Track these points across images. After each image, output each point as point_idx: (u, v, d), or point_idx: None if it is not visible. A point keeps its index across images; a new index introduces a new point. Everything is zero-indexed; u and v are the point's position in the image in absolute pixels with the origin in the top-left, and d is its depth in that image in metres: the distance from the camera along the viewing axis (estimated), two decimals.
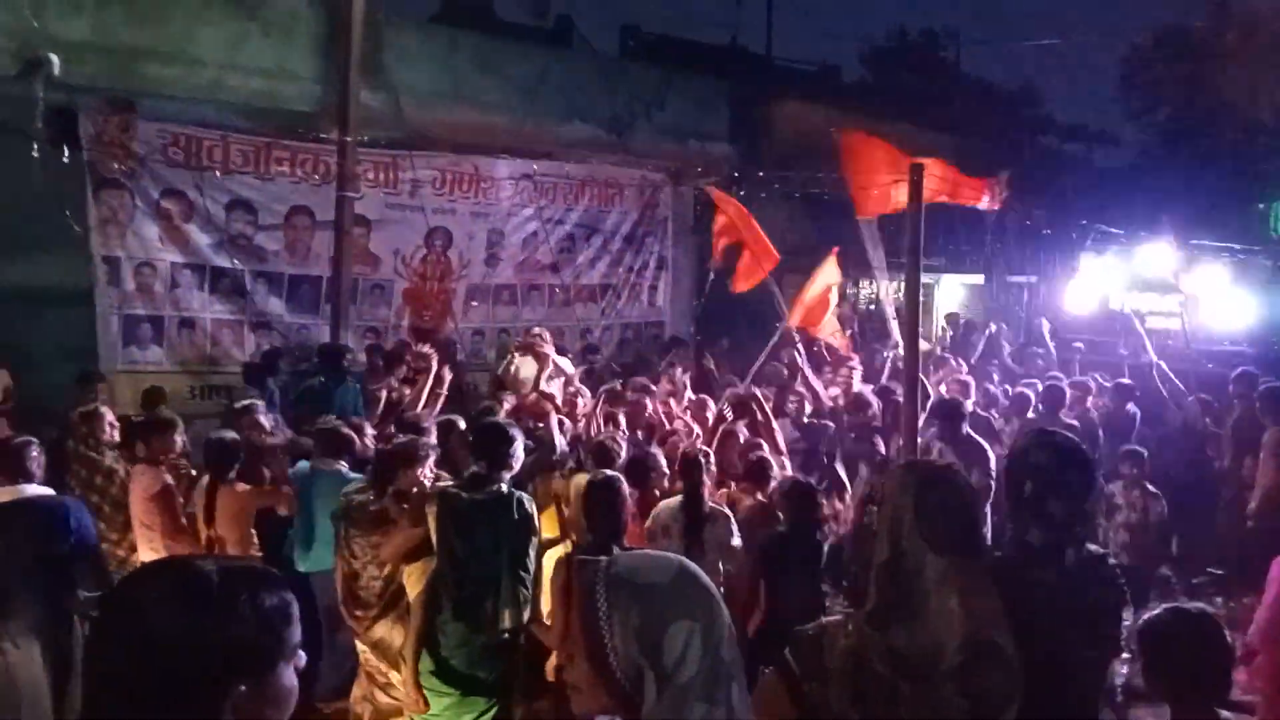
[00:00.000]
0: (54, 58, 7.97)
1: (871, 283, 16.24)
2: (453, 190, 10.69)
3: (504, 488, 3.97)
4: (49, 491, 4.14)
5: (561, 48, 12.57)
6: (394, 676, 4.06)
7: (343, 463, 5.13)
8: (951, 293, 17.89)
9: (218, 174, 9.19)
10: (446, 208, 10.66)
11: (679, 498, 4.68)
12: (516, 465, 4.13)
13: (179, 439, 5.23)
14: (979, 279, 16.80)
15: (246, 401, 6.43)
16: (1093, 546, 2.59)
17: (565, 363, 8.20)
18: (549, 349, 7.86)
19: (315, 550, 4.98)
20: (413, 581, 4.01)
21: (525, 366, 7.91)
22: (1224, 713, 2.61)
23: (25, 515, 3.93)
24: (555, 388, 7.53)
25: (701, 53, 15.79)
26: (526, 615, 3.86)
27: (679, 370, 8.87)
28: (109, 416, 5.56)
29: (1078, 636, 2.42)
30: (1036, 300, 13.78)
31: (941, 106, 17.39)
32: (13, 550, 3.84)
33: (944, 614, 1.94)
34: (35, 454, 4.12)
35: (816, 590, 4.66)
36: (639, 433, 6.73)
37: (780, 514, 4.71)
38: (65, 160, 8.23)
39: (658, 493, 4.98)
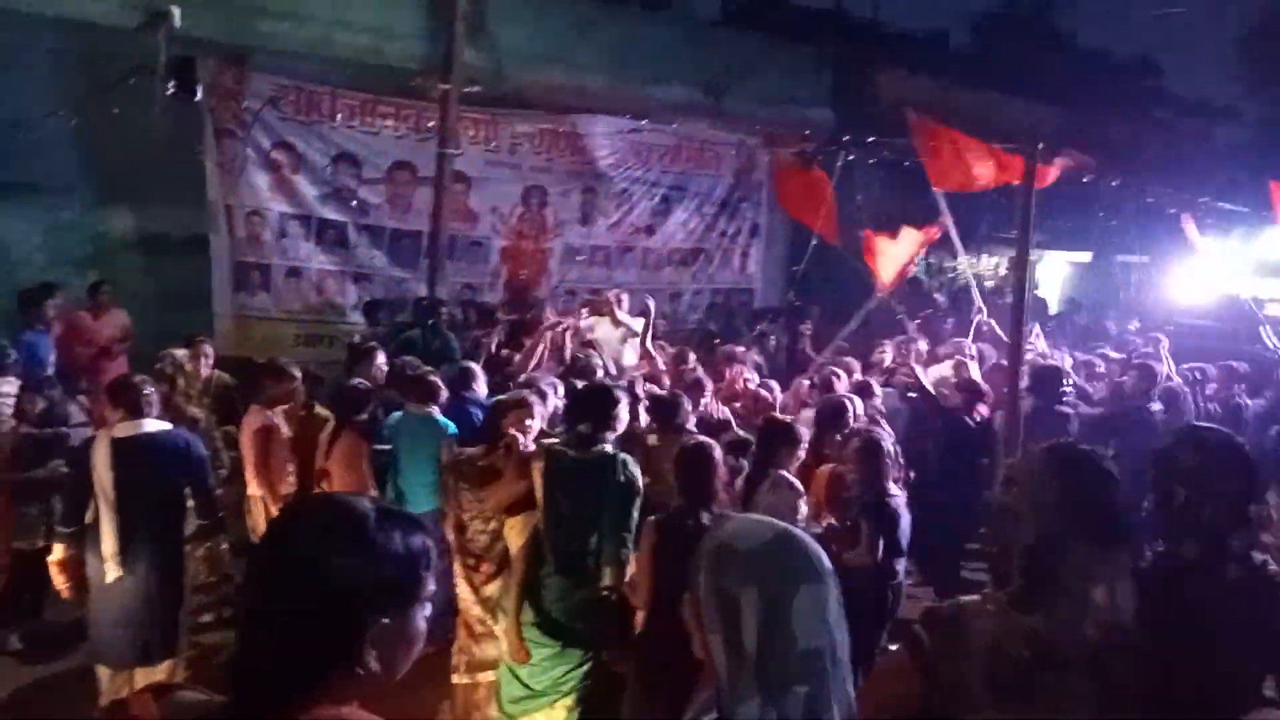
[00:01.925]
0: (175, 10, 8.22)
1: (974, 258, 15.84)
2: (550, 149, 10.73)
3: (608, 448, 3.99)
4: (167, 426, 4.29)
5: (659, 10, 12.42)
6: (496, 628, 4.15)
7: (434, 407, 5.28)
8: (1056, 270, 17.29)
9: (325, 127, 9.40)
10: (543, 166, 10.72)
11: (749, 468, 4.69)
12: (620, 426, 4.15)
13: (296, 387, 5.41)
14: (1086, 257, 16.19)
15: (373, 343, 6.61)
16: (1258, 556, 2.37)
17: (637, 325, 8.17)
18: (621, 312, 7.84)
19: (412, 493, 5.14)
20: (514, 535, 4.08)
21: (599, 327, 7.91)
22: None
23: (146, 448, 4.12)
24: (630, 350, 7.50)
25: (804, 18, 15.43)
26: (627, 574, 3.89)
27: (772, 340, 8.79)
28: (204, 368, 5.75)
29: (1238, 656, 2.28)
30: (1147, 281, 13.22)
31: (1052, 77, 16.68)
32: (135, 480, 4.05)
33: (1085, 603, 1.89)
34: (151, 391, 4.28)
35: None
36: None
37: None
38: (186, 109, 8.50)
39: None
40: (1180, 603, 2.26)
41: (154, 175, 9.01)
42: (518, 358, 6.94)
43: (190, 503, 4.30)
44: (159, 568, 4.11)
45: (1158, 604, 2.27)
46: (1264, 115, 21.34)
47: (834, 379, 6.48)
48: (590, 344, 7.30)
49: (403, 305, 9.34)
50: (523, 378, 5.75)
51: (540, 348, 6.84)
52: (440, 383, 5.44)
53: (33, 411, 5.19)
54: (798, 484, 4.54)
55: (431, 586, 1.43)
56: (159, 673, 4.21)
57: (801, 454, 4.72)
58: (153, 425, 4.18)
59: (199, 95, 8.31)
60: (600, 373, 6.32)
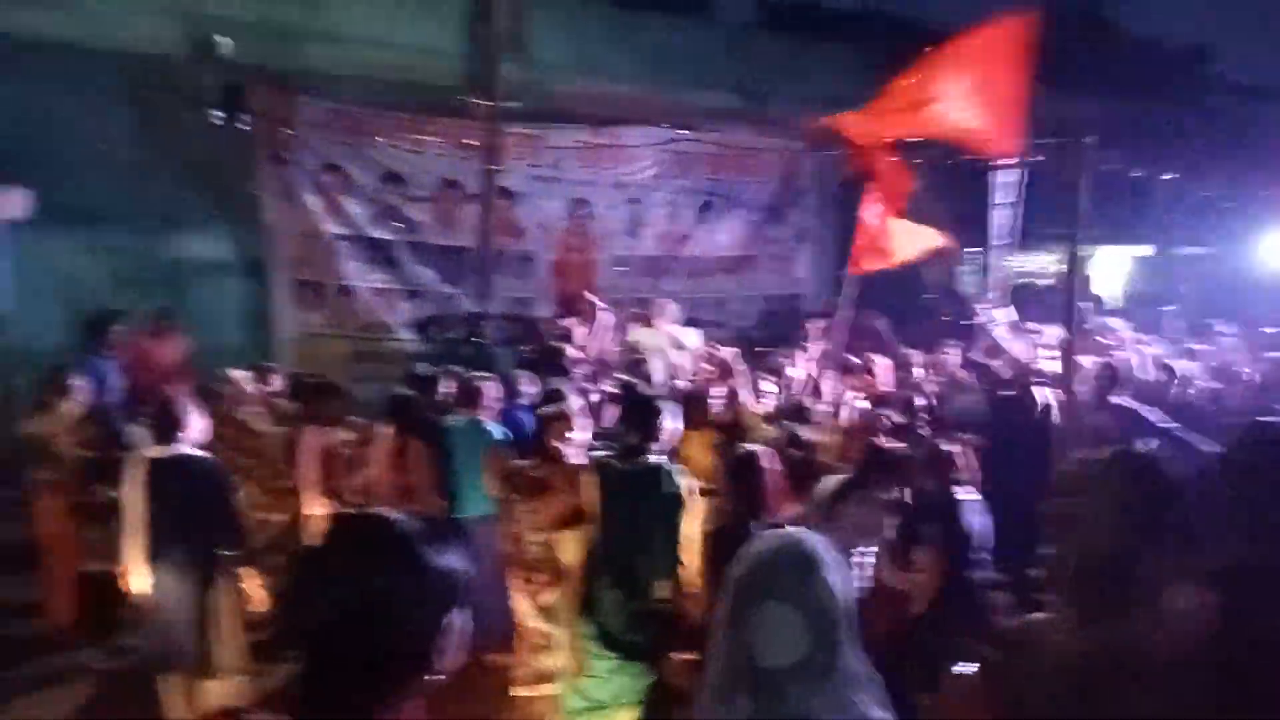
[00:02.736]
0: (224, 40, 8.44)
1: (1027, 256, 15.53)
2: (593, 162, 10.78)
3: (654, 459, 3.99)
4: (202, 452, 4.47)
5: (697, 16, 12.39)
6: (555, 640, 4.16)
7: (480, 412, 5.38)
8: (1114, 266, 16.84)
9: (372, 148, 9.56)
10: (587, 179, 10.76)
11: (839, 477, 4.61)
12: (665, 437, 4.14)
13: (344, 403, 5.50)
14: (1146, 250, 15.76)
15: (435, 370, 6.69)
16: None
17: (692, 335, 8.14)
18: (667, 322, 7.84)
19: (466, 497, 5.21)
20: (569, 548, 4.09)
21: (647, 337, 7.92)
22: None
23: (182, 470, 4.33)
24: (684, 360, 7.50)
25: (844, 17, 15.31)
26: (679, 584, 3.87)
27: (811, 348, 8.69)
28: (249, 389, 5.85)
29: None
30: (1211, 275, 12.83)
31: (1100, 68, 16.31)
32: (167, 501, 4.30)
33: (1160, 614, 1.83)
34: (193, 415, 4.43)
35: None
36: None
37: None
38: (238, 135, 8.73)
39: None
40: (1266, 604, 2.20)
41: (210, 200, 9.29)
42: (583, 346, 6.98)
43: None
44: (185, 580, 4.30)
45: (1241, 607, 2.20)
46: None
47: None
48: (638, 353, 7.34)
49: (454, 321, 9.45)
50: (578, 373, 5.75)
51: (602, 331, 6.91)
52: (484, 388, 5.52)
53: (93, 435, 5.34)
54: (890, 505, 4.48)
55: (464, 592, 1.45)
56: (222, 689, 4.33)
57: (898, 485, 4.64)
58: (187, 448, 4.34)
59: (248, 121, 8.52)
60: (657, 377, 6.36)
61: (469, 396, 5.43)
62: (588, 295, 10.69)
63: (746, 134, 11.78)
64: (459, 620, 1.42)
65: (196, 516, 4.29)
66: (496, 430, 5.29)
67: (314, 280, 9.51)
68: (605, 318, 7.43)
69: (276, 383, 6.37)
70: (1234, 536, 2.34)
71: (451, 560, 1.40)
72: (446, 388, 5.83)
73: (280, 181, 9.20)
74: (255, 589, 4.51)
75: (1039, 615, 1.99)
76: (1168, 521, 1.89)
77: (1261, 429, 2.42)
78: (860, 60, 12.80)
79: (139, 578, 4.36)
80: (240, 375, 5.71)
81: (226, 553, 4.35)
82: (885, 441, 4.83)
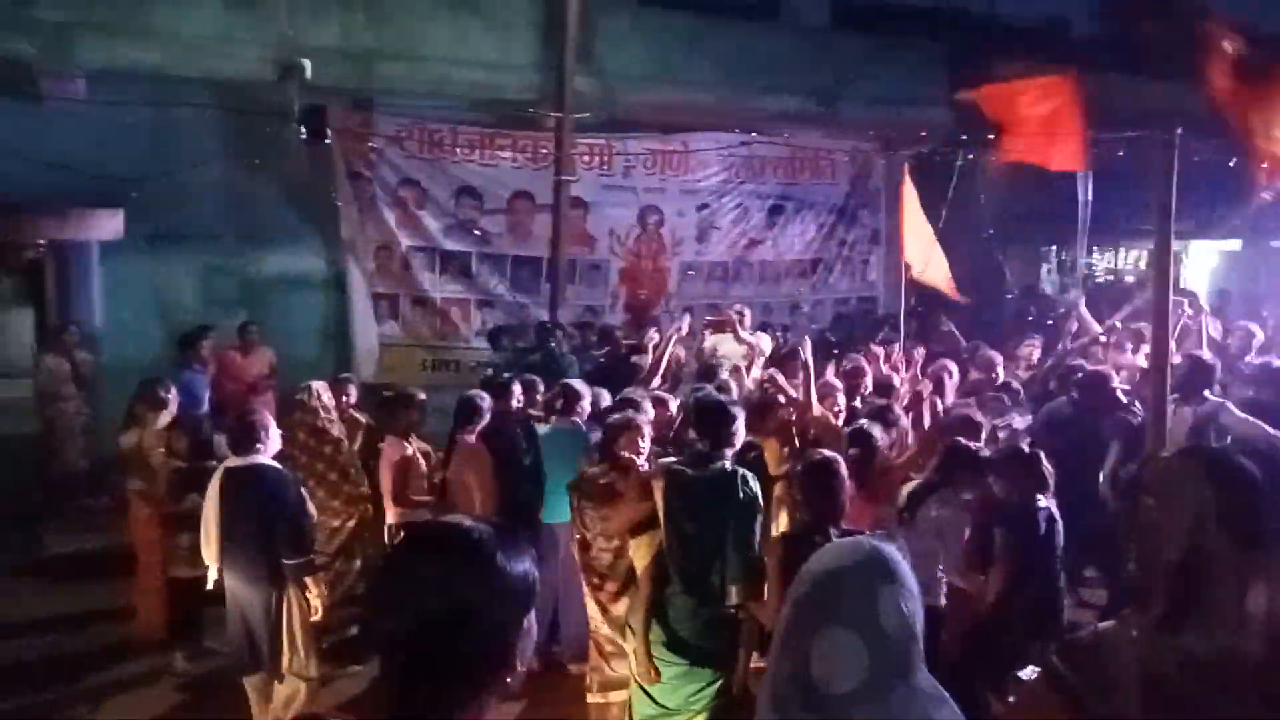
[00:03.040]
0: (306, 63, 8.74)
1: (1109, 252, 15.07)
2: (663, 169, 10.84)
3: (727, 465, 3.98)
4: (274, 464, 4.64)
5: (767, 20, 12.31)
6: (626, 646, 4.18)
7: (575, 418, 5.50)
8: (1204, 261, 16.22)
9: (447, 162, 9.78)
10: (657, 186, 10.83)
11: (918, 479, 4.56)
12: (738, 443, 4.13)
13: (423, 415, 5.62)
14: (1235, 245, 15.14)
15: (507, 375, 6.79)
16: None
17: (765, 340, 8.09)
18: (743, 329, 7.80)
19: (559, 502, 5.20)
20: (640, 554, 4.10)
21: (723, 344, 7.90)
22: None
23: (253, 481, 4.51)
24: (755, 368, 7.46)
25: (915, 16, 15.07)
26: (750, 590, 3.86)
27: (896, 348, 8.57)
28: (326, 398, 5.87)
29: None
30: None
31: (1187, 56, 15.72)
32: (241, 509, 4.50)
33: (1244, 614, 1.76)
34: (268, 427, 4.59)
35: (1053, 578, 4.36)
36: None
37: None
38: (319, 154, 9.02)
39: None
40: None
41: (293, 217, 9.64)
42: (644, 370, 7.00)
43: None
44: (254, 585, 4.48)
45: None
46: None
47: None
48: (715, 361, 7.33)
49: (525, 330, 9.58)
50: (639, 391, 5.78)
51: (665, 358, 6.92)
52: (581, 395, 5.62)
53: (183, 446, 5.57)
54: (970, 504, 4.41)
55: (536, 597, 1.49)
56: (292, 693, 4.50)
57: (979, 485, 4.57)
58: (261, 459, 4.50)
59: (329, 140, 8.80)
60: (735, 385, 6.34)
61: (567, 403, 5.55)
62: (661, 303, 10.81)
63: (817, 136, 11.69)
64: (529, 624, 1.45)
65: (264, 524, 4.45)
66: (592, 436, 5.35)
67: (390, 292, 9.77)
68: (681, 325, 7.45)
69: (353, 394, 6.52)
70: None
71: (524, 565, 1.42)
72: (520, 395, 5.93)
73: (359, 197, 9.48)
74: (317, 597, 4.62)
75: (1108, 624, 1.93)
76: (1245, 520, 1.82)
77: None
78: (933, 58, 12.61)
79: (217, 582, 4.61)
80: (319, 385, 5.87)
81: (289, 561, 4.46)
82: (965, 441, 4.74)
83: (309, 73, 8.73)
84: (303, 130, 8.77)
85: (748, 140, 10.92)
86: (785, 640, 1.49)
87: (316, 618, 4.65)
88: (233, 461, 4.58)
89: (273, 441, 4.66)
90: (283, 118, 8.63)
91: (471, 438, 5.34)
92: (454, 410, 5.47)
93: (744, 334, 7.79)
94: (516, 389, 6.02)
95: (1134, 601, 1.93)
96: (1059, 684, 1.88)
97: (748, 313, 8.32)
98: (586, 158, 10.27)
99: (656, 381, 6.62)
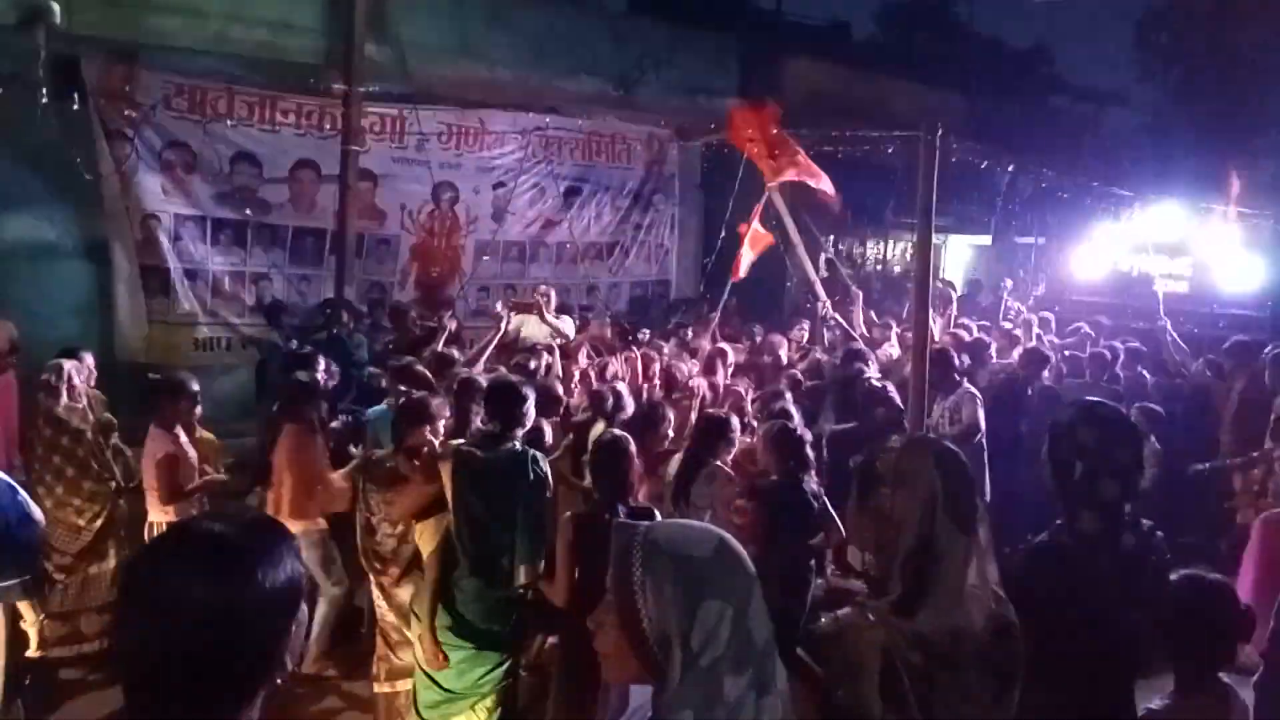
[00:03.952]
0: (55, 6, 7.86)
1: (879, 243, 16.19)
2: (459, 145, 10.59)
3: (518, 446, 3.98)
4: None
5: (568, 2, 12.31)
6: (410, 635, 4.09)
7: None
8: (959, 254, 17.80)
9: (223, 125, 9.11)
10: (453, 162, 10.58)
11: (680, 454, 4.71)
12: (529, 423, 4.13)
13: (195, 405, 5.20)
14: (987, 240, 16.69)
15: (310, 349, 6.42)
16: (1145, 523, 2.48)
17: (567, 323, 8.15)
18: (549, 310, 7.84)
19: None
20: (425, 539, 4.03)
21: (527, 325, 7.89)
22: (1225, 677, 2.64)
23: None
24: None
25: (711, 7, 15.52)
26: (540, 571, 3.88)
27: (689, 332, 8.87)
28: (76, 380, 5.29)
29: (1136, 620, 2.37)
30: (1043, 262, 13.73)
31: (951, 65, 17.14)
32: None
33: (970, 596, 1.88)
34: None
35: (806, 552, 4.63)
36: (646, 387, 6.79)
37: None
38: (72, 111, 8.14)
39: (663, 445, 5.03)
40: (1084, 574, 2.34)
41: (44, 180, 8.61)
42: (466, 354, 6.85)
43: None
44: None
45: (1061, 578, 2.33)
46: (1155, 100, 22.25)
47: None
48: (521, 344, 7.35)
49: (308, 307, 9.13)
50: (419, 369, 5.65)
51: (490, 345, 6.82)
52: (427, 372, 5.41)
53: None
54: (733, 476, 4.57)
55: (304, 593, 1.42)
56: None
57: (734, 448, 4.75)
58: None
59: (83, 97, 7.97)
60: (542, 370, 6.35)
61: (409, 381, 5.27)
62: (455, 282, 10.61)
63: (614, 120, 11.82)
64: (297, 627, 1.38)
65: None
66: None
67: (158, 265, 9.00)
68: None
69: (88, 369, 5.65)
70: (1061, 506, 2.47)
71: (284, 567, 1.33)
72: (324, 371, 5.68)
73: (121, 160, 8.64)
74: (33, 625, 4.05)
75: (846, 612, 1.98)
76: (965, 504, 1.94)
77: (1092, 409, 2.52)
78: (726, 49, 13.05)
79: None
80: (71, 366, 5.24)
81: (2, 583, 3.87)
82: (716, 412, 4.98)
83: (58, 17, 7.86)
84: (52, 85, 7.89)
85: (541, 125, 10.90)
86: (681, 632, 1.43)
87: (32, 653, 4.10)
88: None
89: None
90: (26, 69, 7.72)
91: (302, 422, 5.05)
92: (281, 392, 5.14)
93: (550, 317, 7.79)
94: (322, 363, 5.75)
95: (870, 586, 2.01)
96: (804, 674, 1.93)
97: (553, 295, 8.32)
98: (378, 128, 9.87)
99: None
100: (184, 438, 5.06)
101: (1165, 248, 12.15)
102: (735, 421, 4.82)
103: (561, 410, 5.87)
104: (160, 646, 1.26)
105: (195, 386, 5.22)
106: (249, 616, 1.28)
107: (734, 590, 1.44)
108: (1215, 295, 11.73)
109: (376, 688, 4.41)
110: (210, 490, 5.16)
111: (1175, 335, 8.67)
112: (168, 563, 1.31)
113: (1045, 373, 7.45)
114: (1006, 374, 7.42)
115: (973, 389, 6.49)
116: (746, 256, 8.49)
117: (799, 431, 4.70)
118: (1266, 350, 6.96)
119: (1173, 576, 2.57)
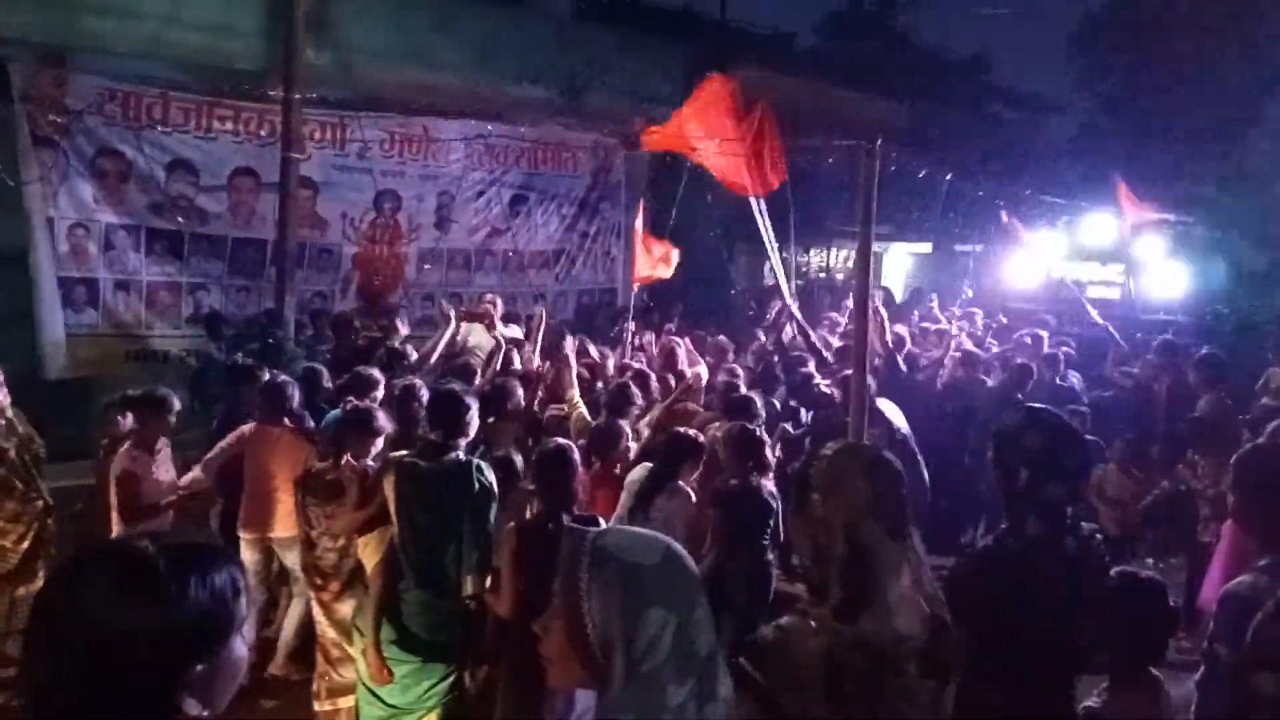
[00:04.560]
0: None
1: (822, 251, 16.39)
2: (402, 152, 10.48)
3: (461, 455, 3.93)
4: None
5: (514, 7, 12.28)
6: (352, 650, 4.02)
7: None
8: (899, 261, 18.08)
9: (158, 132, 8.89)
10: (395, 170, 10.46)
11: (646, 466, 4.70)
12: (472, 432, 4.10)
13: (172, 418, 5.04)
14: (927, 248, 16.99)
15: (252, 362, 6.26)
16: (1086, 527, 2.54)
17: (515, 331, 8.11)
18: (498, 318, 7.78)
19: None
20: (369, 552, 3.97)
21: (474, 334, 7.83)
22: (1156, 672, 2.73)
23: None
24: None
25: (656, 16, 15.60)
26: (487, 582, 3.85)
27: (645, 335, 8.86)
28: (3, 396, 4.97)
29: (1078, 621, 2.43)
30: (981, 269, 14.02)
31: (892, 75, 17.44)
32: None
33: (905, 600, 1.90)
34: None
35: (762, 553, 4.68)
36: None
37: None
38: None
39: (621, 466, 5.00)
40: (1029, 576, 2.39)
41: None
42: (417, 354, 6.77)
43: None
44: None
45: (1007, 580, 2.39)
46: (1090, 109, 22.83)
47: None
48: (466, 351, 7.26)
49: (247, 318, 8.93)
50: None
51: (441, 343, 6.78)
52: (379, 379, 5.32)
53: None
54: (693, 495, 4.58)
55: (243, 614, 1.38)
56: None
57: (699, 469, 4.75)
58: None
59: (9, 102, 7.73)
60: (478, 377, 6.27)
61: (360, 390, 5.16)
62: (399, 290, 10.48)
63: (561, 128, 11.80)
64: (229, 653, 1.33)
65: None
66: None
67: (89, 276, 8.74)
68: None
69: None
70: (1005, 510, 2.53)
71: (209, 585, 1.29)
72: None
73: (49, 167, 8.38)
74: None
75: (788, 619, 1.99)
76: (896, 509, 1.96)
77: (1037, 415, 2.56)
78: (672, 57, 13.12)
79: None
80: None
81: None
82: (688, 430, 4.98)
83: None
84: None
85: (483, 133, 10.83)
86: (626, 641, 1.43)
87: None
88: None
89: None
90: None
91: (279, 427, 4.94)
92: (259, 397, 5.04)
93: (499, 327, 7.72)
94: (264, 374, 5.63)
95: (811, 592, 2.02)
96: (748, 686, 1.90)
97: (499, 303, 8.26)
98: (318, 135, 9.73)
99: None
100: (165, 453, 4.91)
101: (1096, 254, 12.49)
102: (704, 442, 4.81)
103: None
104: (61, 672, 1.21)
105: (178, 406, 5.07)
106: (159, 635, 1.23)
107: (678, 599, 1.45)
108: (1145, 301, 12.10)
109: (316, 706, 4.33)
110: (176, 507, 5.00)
111: (1118, 336, 8.99)
112: (74, 584, 1.26)
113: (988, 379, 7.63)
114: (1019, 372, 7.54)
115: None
116: (642, 259, 8.43)
117: (759, 433, 4.76)
118: (1196, 353, 7.22)
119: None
